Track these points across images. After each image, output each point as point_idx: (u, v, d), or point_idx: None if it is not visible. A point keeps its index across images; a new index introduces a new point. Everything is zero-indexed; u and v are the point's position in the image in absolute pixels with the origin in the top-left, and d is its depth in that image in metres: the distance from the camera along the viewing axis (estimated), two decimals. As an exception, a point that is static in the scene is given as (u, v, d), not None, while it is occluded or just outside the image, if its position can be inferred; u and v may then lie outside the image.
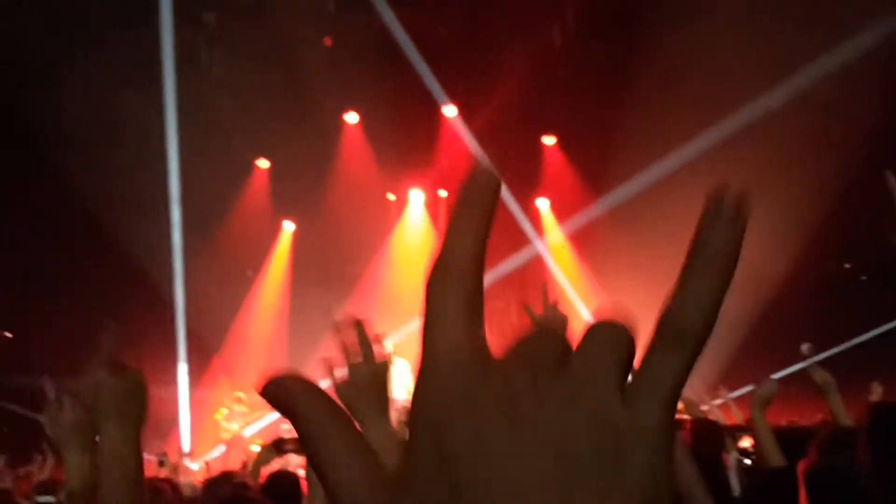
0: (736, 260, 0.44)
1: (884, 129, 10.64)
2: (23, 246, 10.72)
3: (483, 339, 0.39)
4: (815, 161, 11.31)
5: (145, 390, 1.39)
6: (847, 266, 13.85)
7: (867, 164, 11.07)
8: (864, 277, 13.59)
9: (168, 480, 4.80)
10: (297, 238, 13.95)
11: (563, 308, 2.55)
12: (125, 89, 10.57)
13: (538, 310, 2.55)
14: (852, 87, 10.67)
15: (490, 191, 0.42)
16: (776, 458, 2.78)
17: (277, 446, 4.18)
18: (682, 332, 0.40)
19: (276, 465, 7.28)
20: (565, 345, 0.39)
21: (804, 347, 11.94)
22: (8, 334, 11.70)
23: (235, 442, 10.93)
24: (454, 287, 0.40)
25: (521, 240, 13.65)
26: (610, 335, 0.40)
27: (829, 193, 11.19)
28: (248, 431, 10.94)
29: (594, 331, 0.40)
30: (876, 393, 5.04)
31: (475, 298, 0.40)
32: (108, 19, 10.12)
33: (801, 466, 1.62)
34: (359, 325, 1.40)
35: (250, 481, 3.99)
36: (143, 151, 11.21)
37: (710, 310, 0.41)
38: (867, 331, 11.63)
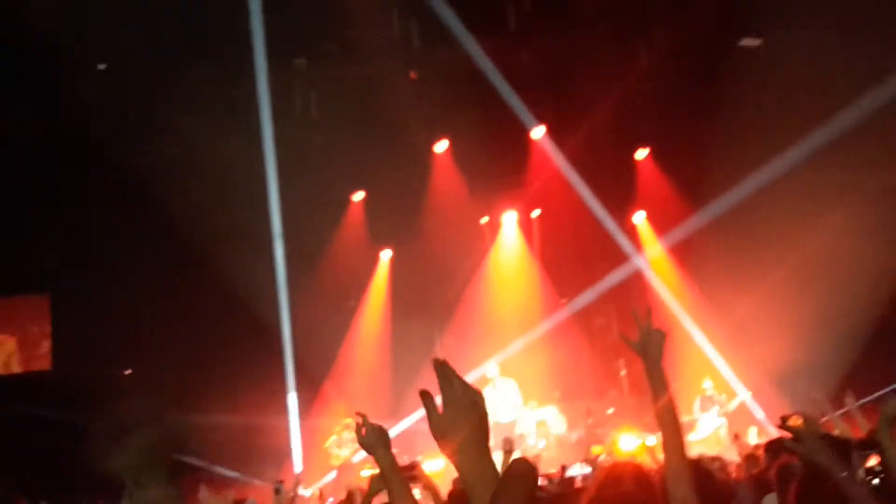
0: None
1: None
2: (137, 287, 11.33)
3: None
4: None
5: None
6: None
7: None
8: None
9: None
10: (395, 266, 14.22)
11: (659, 325, 2.56)
12: (229, 137, 11.13)
13: (634, 335, 2.58)
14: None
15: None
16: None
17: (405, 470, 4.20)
18: None
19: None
20: None
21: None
22: (127, 371, 12.35)
23: (346, 468, 11.18)
24: None
25: (619, 256, 13.44)
26: None
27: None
28: (358, 457, 11.15)
29: None
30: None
31: None
32: (208, 75, 10.69)
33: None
34: (443, 364, 1.42)
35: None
36: (246, 192, 11.70)
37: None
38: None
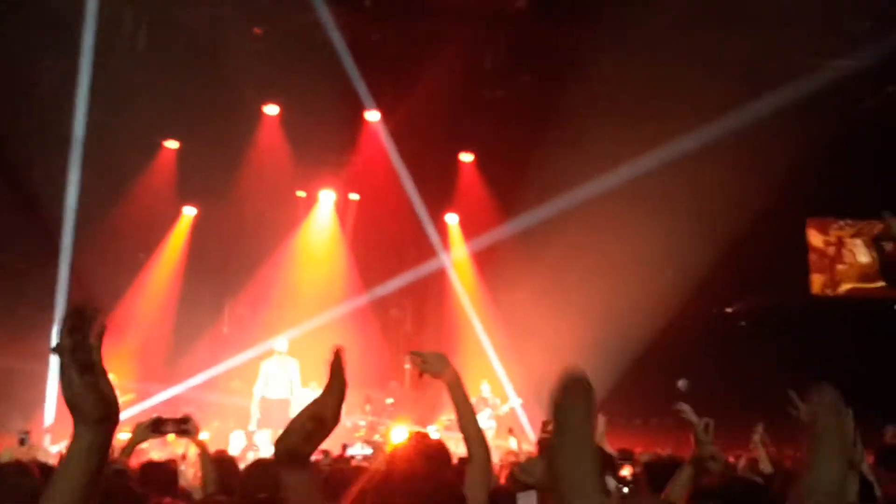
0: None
1: (784, 184, 11.46)
2: None
3: None
4: (711, 209, 12.03)
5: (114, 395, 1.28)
6: (728, 311, 14.70)
7: (761, 216, 11.91)
8: (743, 323, 14.47)
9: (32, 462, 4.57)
10: (198, 225, 13.56)
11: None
12: (45, 52, 10.09)
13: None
14: (758, 143, 11.43)
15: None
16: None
17: (155, 426, 4.04)
18: None
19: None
20: None
21: (680, 383, 12.65)
22: None
23: None
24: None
25: (426, 252, 13.76)
26: None
27: (721, 239, 11.90)
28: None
29: None
30: (757, 433, 5.36)
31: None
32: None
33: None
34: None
35: (124, 461, 3.86)
36: (52, 114, 10.67)
37: None
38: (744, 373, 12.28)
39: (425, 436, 2.69)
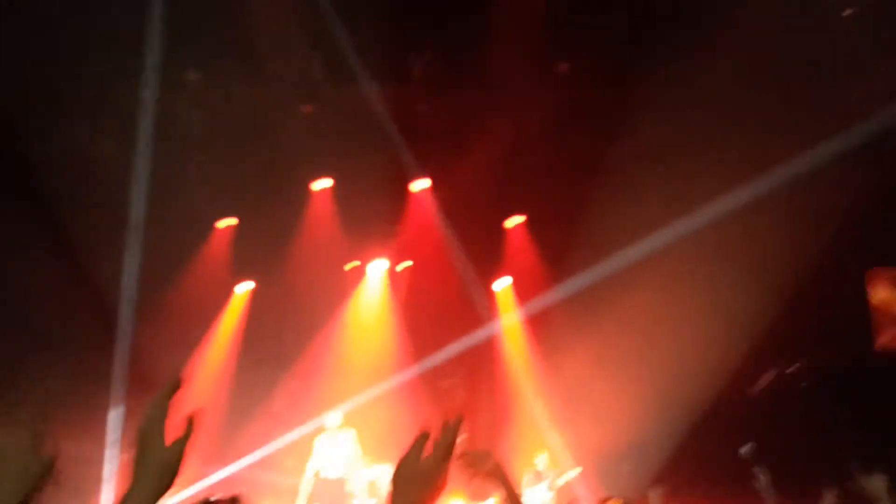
0: None
1: (843, 237, 11.16)
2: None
3: None
4: (770, 264, 11.73)
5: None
6: (789, 371, 14.16)
7: (821, 269, 11.58)
8: (804, 384, 13.90)
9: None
10: (253, 300, 13.79)
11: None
12: (105, 140, 10.60)
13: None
14: (811, 197, 11.18)
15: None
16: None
17: None
18: None
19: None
20: None
21: (744, 449, 12.15)
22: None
23: None
24: None
25: (477, 320, 13.70)
26: None
27: (782, 296, 11.55)
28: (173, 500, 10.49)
29: None
30: (826, 500, 5.11)
31: None
32: (94, 75, 10.18)
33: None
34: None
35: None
36: (113, 199, 11.09)
37: None
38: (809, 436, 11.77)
39: None
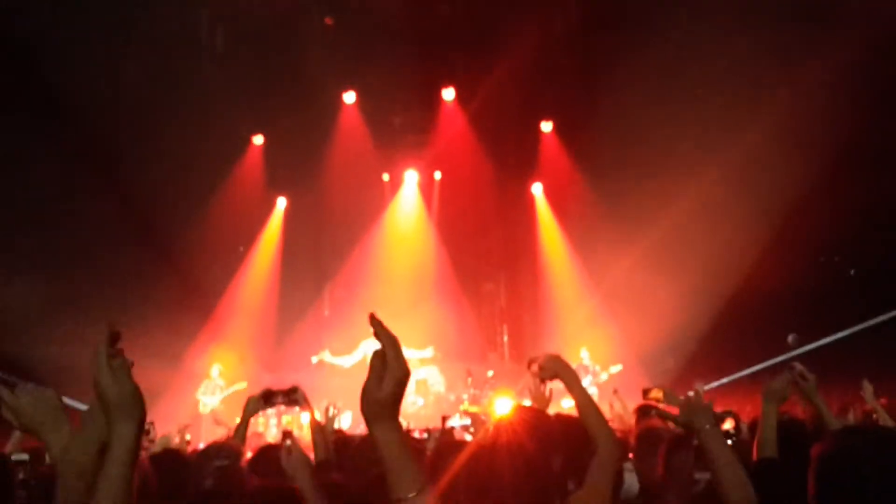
0: None
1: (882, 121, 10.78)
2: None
3: None
4: (804, 157, 11.42)
5: (140, 393, 1.54)
6: (836, 259, 13.97)
7: (862, 157, 11.24)
8: (853, 271, 13.72)
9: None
10: (290, 214, 13.99)
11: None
12: (124, 60, 10.53)
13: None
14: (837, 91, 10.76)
15: None
16: (770, 450, 2.88)
17: (266, 398, 4.24)
18: None
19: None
20: None
21: (791, 338, 12.14)
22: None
23: (213, 417, 10.87)
24: None
25: (515, 223, 13.72)
26: None
27: (818, 191, 11.27)
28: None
29: None
30: (866, 391, 5.10)
31: None
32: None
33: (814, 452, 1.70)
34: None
35: (237, 442, 3.99)
36: (143, 119, 11.14)
37: None
38: (854, 324, 11.73)
39: (533, 409, 2.67)
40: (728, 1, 10.39)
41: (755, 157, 11.56)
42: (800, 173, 11.24)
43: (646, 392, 3.41)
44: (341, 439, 4.62)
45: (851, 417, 5.53)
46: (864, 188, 11.63)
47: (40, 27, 9.48)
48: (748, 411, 8.13)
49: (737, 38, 10.59)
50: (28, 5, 9.29)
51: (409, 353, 10.63)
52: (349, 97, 13.11)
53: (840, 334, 11.16)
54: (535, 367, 2.80)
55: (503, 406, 9.44)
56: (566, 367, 2.79)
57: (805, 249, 12.54)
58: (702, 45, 10.78)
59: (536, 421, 2.37)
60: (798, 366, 3.28)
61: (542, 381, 2.81)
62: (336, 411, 5.32)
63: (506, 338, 14.69)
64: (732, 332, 11.83)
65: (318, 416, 4.52)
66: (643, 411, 4.96)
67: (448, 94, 13.05)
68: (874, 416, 5.06)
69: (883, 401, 5.45)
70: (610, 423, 2.78)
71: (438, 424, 7.91)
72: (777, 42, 10.45)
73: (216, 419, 10.59)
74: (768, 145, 11.42)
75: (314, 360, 11.77)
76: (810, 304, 11.91)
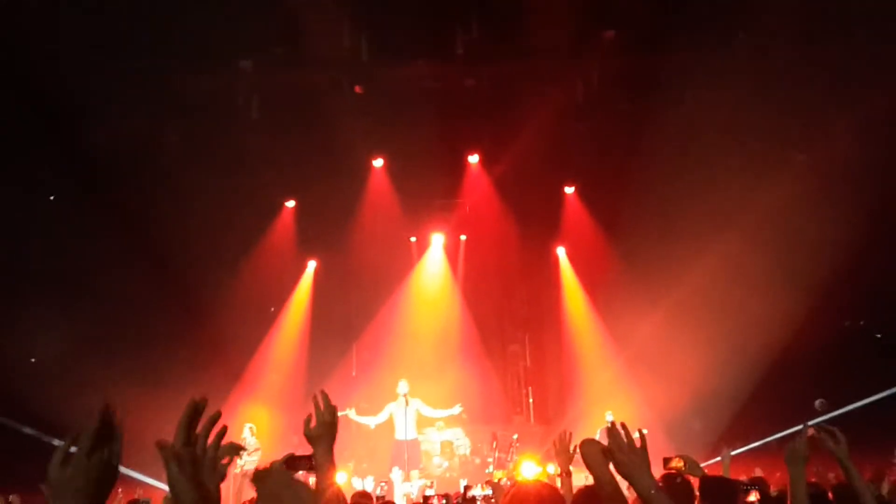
0: None
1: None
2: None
3: None
4: (828, 218, 11.49)
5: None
6: (861, 323, 13.90)
7: (886, 220, 11.29)
8: (879, 335, 13.62)
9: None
10: (319, 277, 14.30)
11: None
12: (164, 129, 11.00)
13: None
14: (861, 153, 10.90)
15: None
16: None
17: (289, 463, 4.32)
18: None
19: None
20: None
21: (818, 403, 12.00)
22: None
23: (239, 477, 10.91)
24: None
25: (539, 286, 13.85)
26: None
27: (842, 252, 11.31)
28: (248, 466, 11.03)
29: None
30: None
31: None
32: (150, 67, 10.55)
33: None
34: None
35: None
36: (175, 186, 11.55)
37: None
38: (881, 390, 11.59)
39: (546, 484, 2.73)
40: (746, 62, 10.57)
41: (778, 219, 11.68)
42: (825, 236, 11.32)
43: (666, 461, 3.43)
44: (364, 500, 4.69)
45: (886, 485, 5.46)
46: (889, 251, 11.67)
47: (83, 90, 9.95)
48: (777, 478, 8.08)
49: (760, 99, 10.80)
50: (71, 70, 9.74)
51: (437, 412, 10.73)
52: (378, 163, 13.51)
53: (868, 400, 11.04)
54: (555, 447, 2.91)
55: (529, 470, 9.47)
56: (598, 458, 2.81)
57: (831, 313, 12.51)
58: (722, 106, 11.03)
59: (547, 493, 2.47)
60: (823, 426, 3.25)
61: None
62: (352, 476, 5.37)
63: (531, 400, 14.69)
64: (760, 397, 11.76)
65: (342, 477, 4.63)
66: (667, 481, 5.00)
67: (473, 159, 13.39)
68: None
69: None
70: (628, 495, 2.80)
71: (460, 489, 7.93)
72: (801, 103, 10.62)
73: (251, 481, 10.61)
74: (791, 207, 11.55)
75: (339, 414, 11.78)
76: (837, 369, 11.83)
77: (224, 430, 1.47)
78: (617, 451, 2.18)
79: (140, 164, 10.95)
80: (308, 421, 2.25)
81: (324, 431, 2.29)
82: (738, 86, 10.61)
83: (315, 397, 2.29)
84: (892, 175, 10.78)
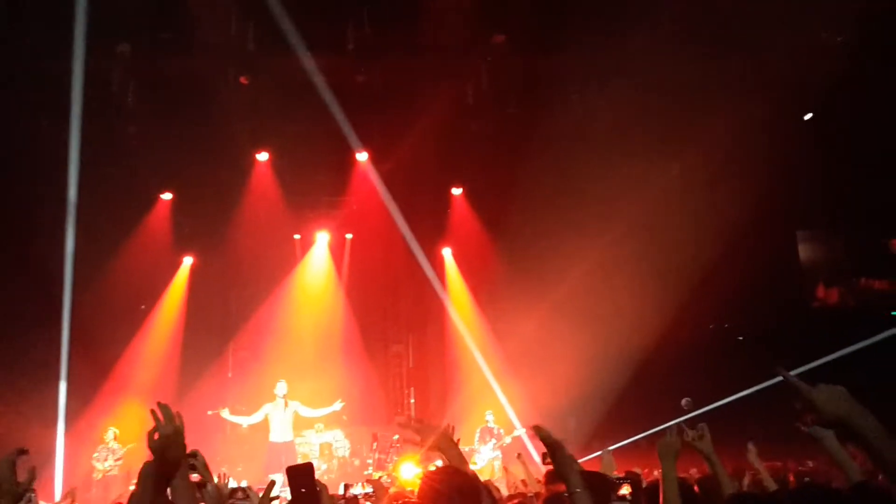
0: None
1: (770, 194, 11.64)
2: None
3: None
4: (699, 225, 12.16)
5: None
6: (726, 326, 14.77)
7: (751, 228, 12.07)
8: (741, 337, 14.52)
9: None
10: (196, 273, 13.71)
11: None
12: (35, 116, 10.29)
13: None
14: (738, 161, 11.61)
15: None
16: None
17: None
18: None
19: None
20: None
21: (684, 402, 12.67)
22: None
23: (105, 483, 10.41)
24: None
25: (424, 286, 13.88)
26: None
27: (709, 257, 12.01)
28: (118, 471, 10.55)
29: None
30: (751, 453, 5.41)
31: None
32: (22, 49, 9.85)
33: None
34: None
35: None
36: (47, 173, 10.82)
37: None
38: (742, 389, 12.32)
39: (457, 470, 2.69)
40: (630, 69, 10.96)
41: (651, 224, 12.27)
42: (695, 242, 11.99)
43: (545, 456, 3.53)
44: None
45: (746, 481, 5.78)
46: (750, 257, 12.49)
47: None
48: (646, 474, 8.43)
49: (639, 108, 11.27)
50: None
51: (317, 412, 10.56)
52: (262, 156, 13.11)
53: (729, 398, 11.71)
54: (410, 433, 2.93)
55: (408, 471, 9.45)
56: (444, 437, 2.93)
57: (698, 316, 13.26)
58: (604, 112, 11.46)
59: (462, 480, 2.46)
60: (692, 424, 3.46)
61: (419, 446, 2.92)
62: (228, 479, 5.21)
63: (413, 400, 14.70)
64: (630, 396, 12.27)
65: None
66: (551, 477, 5.10)
67: (362, 157, 13.26)
68: (758, 476, 5.37)
69: (766, 464, 5.78)
70: (508, 490, 2.89)
71: (340, 491, 7.83)
72: (677, 110, 11.16)
73: (107, 484, 10.13)
74: (665, 213, 12.17)
75: (210, 413, 11.38)
76: (702, 369, 12.53)
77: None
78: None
79: (3, 150, 10.18)
80: (152, 434, 2.22)
81: (167, 443, 2.24)
82: (620, 92, 11.03)
83: (153, 412, 2.25)
84: (760, 184, 11.53)
